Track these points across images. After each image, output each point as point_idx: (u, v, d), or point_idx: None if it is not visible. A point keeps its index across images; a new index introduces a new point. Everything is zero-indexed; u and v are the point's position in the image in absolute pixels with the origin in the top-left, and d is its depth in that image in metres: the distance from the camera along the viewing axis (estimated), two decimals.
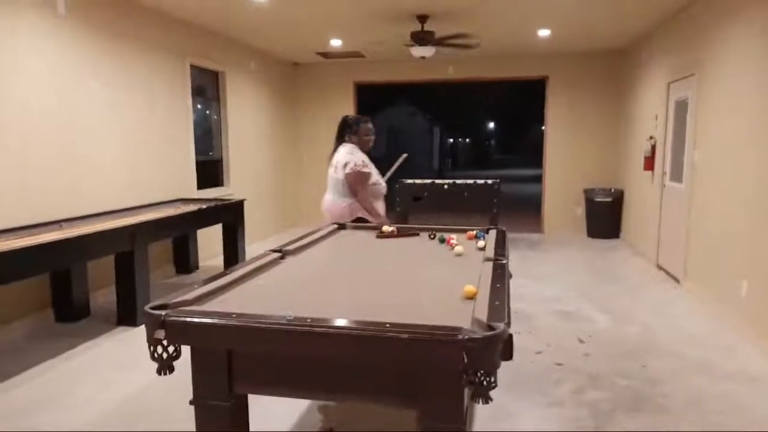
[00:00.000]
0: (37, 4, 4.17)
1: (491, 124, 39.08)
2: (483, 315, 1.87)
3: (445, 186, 7.22)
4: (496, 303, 2.01)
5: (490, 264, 2.64)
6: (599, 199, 7.90)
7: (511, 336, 1.75)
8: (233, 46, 7.17)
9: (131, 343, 3.91)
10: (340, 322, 1.81)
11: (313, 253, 3.20)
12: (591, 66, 8.18)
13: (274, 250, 3.04)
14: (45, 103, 4.27)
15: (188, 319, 1.88)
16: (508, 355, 1.75)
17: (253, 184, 7.77)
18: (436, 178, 8.17)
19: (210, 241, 6.53)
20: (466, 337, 1.66)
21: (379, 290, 2.37)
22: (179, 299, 2.07)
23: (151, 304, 2.00)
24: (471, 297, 2.18)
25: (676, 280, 5.45)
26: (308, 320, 1.82)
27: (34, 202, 4.18)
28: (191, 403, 2.01)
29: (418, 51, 5.74)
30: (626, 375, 3.38)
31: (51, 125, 4.34)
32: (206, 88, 6.96)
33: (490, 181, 7.24)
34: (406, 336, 1.71)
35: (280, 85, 8.65)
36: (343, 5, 5.33)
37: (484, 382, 1.68)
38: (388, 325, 1.75)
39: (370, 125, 4.05)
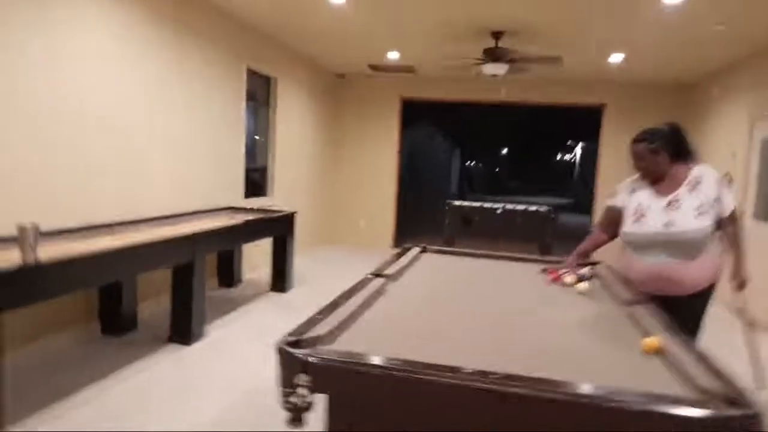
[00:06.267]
0: None
1: (504, 150, 38.74)
2: (706, 382, 1.50)
3: (498, 210, 6.87)
4: (714, 366, 1.63)
5: (643, 309, 2.27)
6: None
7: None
8: (284, 52, 6.89)
9: (186, 365, 3.53)
10: (563, 386, 1.42)
11: (412, 279, 2.84)
12: (652, 97, 7.86)
13: (375, 275, 2.69)
14: (98, 100, 3.97)
15: (344, 365, 1.52)
16: None
17: (295, 196, 7.43)
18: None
19: (251, 253, 6.17)
20: (721, 416, 1.30)
21: (519, 334, 2.00)
22: (314, 334, 1.71)
23: (285, 339, 1.64)
24: (656, 352, 1.81)
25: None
26: (497, 375, 1.46)
27: (85, 202, 3.85)
28: None
29: (490, 68, 5.44)
30: None
31: (104, 123, 4.03)
32: (255, 95, 6.67)
33: (544, 209, 6.89)
34: (647, 409, 1.33)
35: (324, 96, 8.37)
36: (420, 15, 5.04)
37: None
38: (629, 398, 1.38)
39: (634, 147, 2.80)
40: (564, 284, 2.83)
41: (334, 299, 2.17)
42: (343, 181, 8.96)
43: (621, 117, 7.99)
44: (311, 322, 1.84)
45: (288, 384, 1.56)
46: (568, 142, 27.15)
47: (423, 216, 12.60)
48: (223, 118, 5.58)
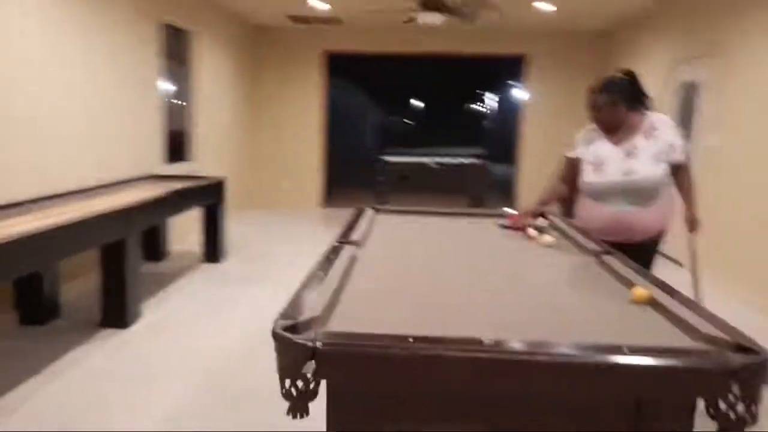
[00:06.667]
0: None
1: (419, 102, 38.94)
2: (705, 329, 1.52)
3: (434, 165, 6.85)
4: (704, 312, 1.66)
5: (613, 259, 2.29)
6: None
7: None
8: (201, 3, 6.32)
9: (128, 352, 3.24)
10: (565, 350, 1.38)
11: (379, 243, 2.71)
12: (573, 46, 8.04)
13: (342, 242, 2.54)
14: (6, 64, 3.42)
15: (357, 350, 1.39)
16: None
17: (217, 159, 7.00)
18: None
19: (176, 223, 5.76)
20: (740, 363, 1.32)
21: (508, 295, 1.95)
22: (309, 316, 1.55)
23: (281, 324, 1.47)
24: (645, 302, 1.83)
25: (679, 264, 5.43)
26: (514, 346, 1.39)
27: None
28: None
29: (425, 18, 5.26)
30: None
31: (13, 91, 3.50)
32: (171, 52, 6.09)
33: (479, 162, 6.96)
34: (673, 364, 1.32)
35: (242, 52, 7.84)
36: None
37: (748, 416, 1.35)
38: (626, 349, 1.36)
39: (593, 99, 2.78)
40: (529, 237, 2.82)
41: (311, 272, 2.01)
42: (266, 142, 8.55)
43: (544, 67, 8.14)
44: (299, 302, 1.68)
45: (293, 373, 1.41)
46: (482, 93, 27.60)
47: (347, 173, 12.41)
48: (139, 79, 5.07)
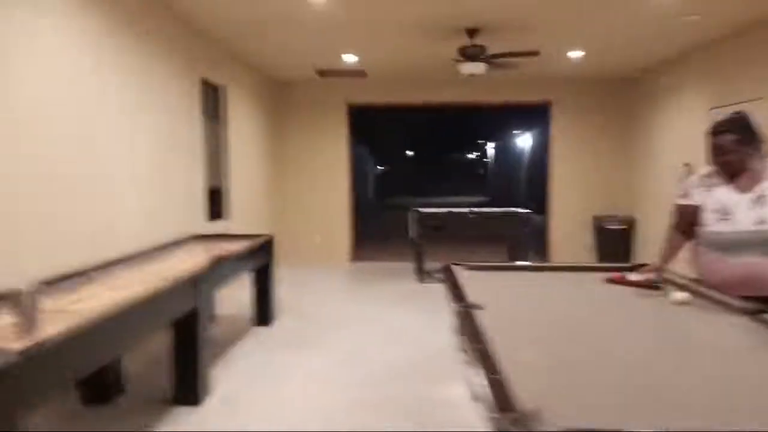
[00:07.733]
0: None
1: (411, 152, 39.22)
2: None
3: (470, 215, 6.69)
4: None
5: None
6: (611, 227, 7.70)
7: None
8: (232, 59, 6.28)
9: None
10: None
11: (495, 306, 2.49)
12: (597, 92, 8.06)
13: (467, 306, 2.33)
14: (54, 102, 3.28)
15: None
16: None
17: (249, 216, 6.81)
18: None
19: None
20: None
21: (689, 370, 1.71)
22: (531, 407, 1.32)
23: (509, 419, 1.25)
24: None
25: None
26: None
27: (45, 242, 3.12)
28: None
29: (467, 68, 5.23)
30: None
31: (49, 145, 3.33)
32: (205, 107, 5.99)
33: (517, 210, 6.82)
34: None
35: (269, 106, 7.78)
36: (394, 13, 4.73)
37: None
38: None
39: (717, 139, 2.59)
40: (650, 293, 2.62)
41: (477, 349, 1.78)
42: (293, 196, 8.39)
43: (567, 113, 8.13)
44: (501, 387, 1.46)
45: None
46: (482, 142, 27.84)
47: (364, 224, 12.24)
48: (181, 135, 4.92)
